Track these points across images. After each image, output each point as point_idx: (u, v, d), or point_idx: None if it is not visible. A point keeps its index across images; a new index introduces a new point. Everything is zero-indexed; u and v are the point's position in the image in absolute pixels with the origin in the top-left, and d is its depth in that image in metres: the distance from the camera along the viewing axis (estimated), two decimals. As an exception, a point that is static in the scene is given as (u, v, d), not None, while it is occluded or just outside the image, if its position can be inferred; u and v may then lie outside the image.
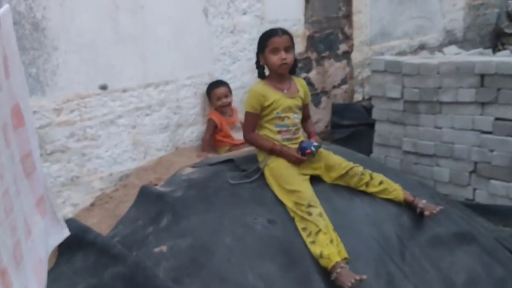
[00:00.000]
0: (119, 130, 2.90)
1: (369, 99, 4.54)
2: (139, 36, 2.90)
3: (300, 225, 2.10)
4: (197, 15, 3.18)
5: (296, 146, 2.35)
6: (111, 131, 2.86)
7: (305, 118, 2.58)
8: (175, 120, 3.16)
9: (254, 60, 3.51)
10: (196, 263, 2.03)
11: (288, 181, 2.21)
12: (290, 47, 2.37)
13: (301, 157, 2.31)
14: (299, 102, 2.44)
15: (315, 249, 2.01)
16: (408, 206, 2.39)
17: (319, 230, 2.03)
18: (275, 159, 2.31)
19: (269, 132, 2.37)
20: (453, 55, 4.67)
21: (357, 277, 1.86)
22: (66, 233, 1.75)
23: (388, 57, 3.75)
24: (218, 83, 3.22)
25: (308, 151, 2.30)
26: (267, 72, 2.52)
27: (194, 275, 2.00)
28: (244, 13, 3.45)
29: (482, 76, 3.14)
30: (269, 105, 2.34)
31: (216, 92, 3.16)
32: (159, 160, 3.09)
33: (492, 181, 3.19)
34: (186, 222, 2.19)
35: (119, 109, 2.88)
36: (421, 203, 2.34)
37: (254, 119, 2.41)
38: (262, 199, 2.25)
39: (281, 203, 2.23)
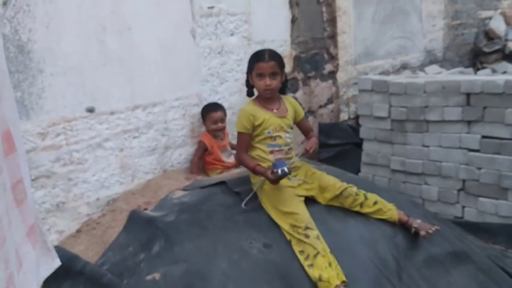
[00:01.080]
0: (107, 154, 2.83)
1: (355, 118, 4.58)
2: (127, 58, 2.86)
3: (297, 248, 2.06)
4: (184, 36, 3.16)
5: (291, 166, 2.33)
6: (98, 154, 2.78)
7: (307, 132, 2.58)
8: (163, 142, 3.11)
9: (241, 80, 3.55)
10: (191, 291, 1.96)
11: (284, 203, 2.17)
12: (276, 73, 2.35)
13: (270, 176, 2.21)
14: (289, 122, 2.43)
15: (314, 273, 1.97)
16: (402, 226, 2.37)
17: (317, 253, 1.99)
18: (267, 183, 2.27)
19: (262, 153, 2.34)
20: (436, 74, 4.75)
21: None
22: (57, 263, 1.67)
23: (375, 76, 3.79)
24: (215, 107, 3.19)
25: (275, 170, 2.19)
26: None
27: (189, 303, 1.93)
28: (232, 34, 3.45)
29: (468, 94, 3.19)
30: (259, 125, 2.33)
31: (213, 116, 3.12)
32: (147, 183, 3.02)
33: (481, 199, 3.22)
34: (179, 248, 2.13)
35: (106, 132, 2.81)
36: (416, 222, 2.33)
37: (246, 139, 2.39)
38: (257, 223, 2.21)
39: (277, 226, 2.19)
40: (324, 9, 4.17)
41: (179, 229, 2.23)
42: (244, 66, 3.48)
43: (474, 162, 3.21)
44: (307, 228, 2.06)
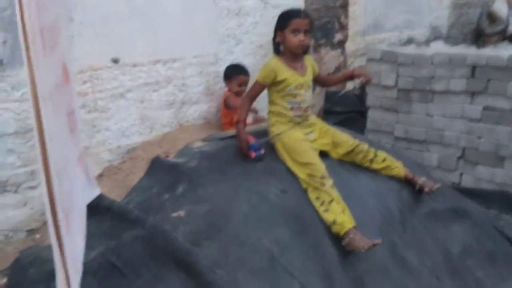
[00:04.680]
0: (128, 104, 2.96)
1: (360, 87, 4.72)
2: (151, 13, 2.96)
3: (313, 195, 2.23)
4: (205, -5, 3.26)
5: (307, 123, 2.48)
6: (120, 104, 2.92)
7: (327, 77, 2.95)
8: (180, 97, 3.24)
9: (256, 43, 3.67)
10: (214, 227, 2.13)
11: (301, 154, 2.33)
12: (309, 30, 2.46)
13: (247, 151, 2.40)
14: (309, 80, 2.56)
15: (329, 217, 2.14)
16: (408, 182, 2.55)
17: (332, 200, 2.16)
18: (287, 134, 2.42)
19: (282, 109, 2.47)
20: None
21: (374, 242, 2.01)
22: (97, 191, 1.82)
23: (384, 46, 3.90)
24: (244, 70, 3.29)
25: (252, 153, 2.40)
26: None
27: (212, 238, 2.09)
28: (249, -3, 3.54)
29: (474, 67, 3.33)
30: (282, 81, 2.44)
31: (241, 78, 3.24)
32: (164, 135, 3.16)
33: (479, 166, 3.40)
34: (202, 189, 2.28)
35: (129, 83, 2.94)
36: (421, 180, 2.51)
37: (259, 90, 2.52)
38: (274, 171, 2.37)
39: (292, 175, 2.35)
40: (337, -22, 4.25)
41: (201, 173, 2.38)
42: (260, 29, 3.64)
43: (475, 131, 3.38)
44: (323, 177, 2.22)
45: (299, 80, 2.48)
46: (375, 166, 2.52)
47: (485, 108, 3.32)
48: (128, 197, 2.48)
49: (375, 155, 2.53)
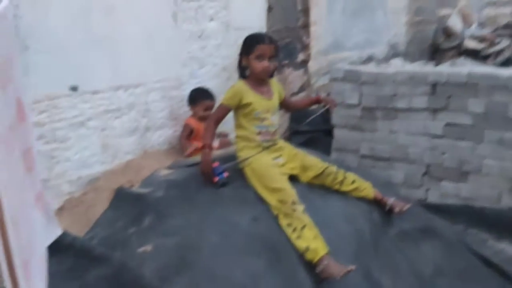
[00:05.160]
0: (89, 133, 2.84)
1: (324, 106, 4.74)
2: (110, 38, 2.87)
3: (284, 222, 2.18)
4: (166, 19, 3.19)
5: (275, 147, 2.45)
6: (80, 133, 2.79)
7: (293, 101, 2.96)
8: (143, 123, 3.14)
9: (220, 65, 3.64)
10: (184, 261, 2.05)
11: (271, 180, 2.29)
12: (274, 56, 2.46)
13: (210, 177, 2.36)
14: (276, 104, 2.54)
15: (301, 244, 2.10)
16: (377, 203, 2.55)
17: (304, 226, 2.12)
18: (256, 159, 2.38)
19: (250, 133, 2.44)
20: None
21: (348, 268, 1.97)
22: (58, 231, 1.71)
23: (346, 66, 3.95)
24: (210, 95, 3.24)
25: (215, 179, 2.36)
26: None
27: (182, 273, 2.01)
28: (211, 20, 3.51)
29: (434, 84, 3.41)
30: (248, 104, 2.42)
31: (207, 103, 3.19)
32: (128, 163, 3.05)
33: (444, 182, 3.46)
34: (170, 221, 2.20)
35: (89, 111, 2.82)
36: (390, 200, 2.51)
37: (224, 112, 2.49)
38: (244, 198, 2.31)
39: (263, 202, 2.30)
40: (298, -1, 4.30)
41: (169, 204, 2.30)
42: (223, 51, 3.61)
43: (438, 147, 3.44)
44: (294, 203, 2.18)
45: (265, 104, 2.46)
46: (345, 188, 2.51)
47: (447, 124, 3.40)
48: (92, 232, 2.36)
49: (344, 177, 2.52)
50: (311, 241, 2.09)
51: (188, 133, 3.20)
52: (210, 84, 3.52)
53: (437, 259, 2.46)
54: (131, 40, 2.98)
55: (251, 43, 2.45)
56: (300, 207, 2.18)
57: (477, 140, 3.29)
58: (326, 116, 4.45)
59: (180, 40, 3.30)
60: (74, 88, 2.74)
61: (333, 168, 2.51)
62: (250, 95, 2.43)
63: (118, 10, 2.88)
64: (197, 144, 3.18)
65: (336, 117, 3.92)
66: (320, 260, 2.04)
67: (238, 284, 1.97)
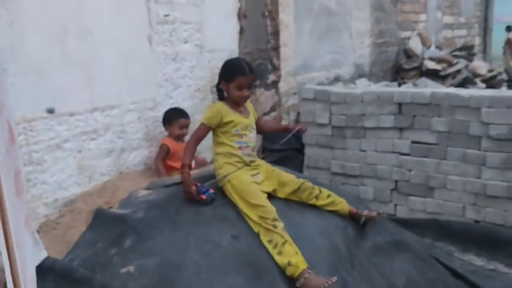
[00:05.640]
0: (65, 155, 2.84)
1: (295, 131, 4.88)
2: (87, 61, 2.90)
3: (265, 238, 2.25)
4: (142, 41, 3.25)
5: (255, 164, 2.54)
6: (57, 155, 2.79)
7: (263, 124, 2.98)
8: (119, 144, 3.16)
9: (194, 87, 3.71)
10: (166, 280, 2.07)
11: (252, 196, 2.36)
12: (252, 85, 2.62)
13: (195, 196, 2.41)
14: (252, 122, 2.66)
15: (283, 259, 2.16)
16: (352, 217, 2.64)
17: (285, 241, 2.19)
18: (236, 176, 2.45)
19: (231, 149, 2.53)
20: (368, 86, 5.18)
21: (330, 280, 2.05)
22: (44, 254, 1.71)
23: (316, 86, 4.09)
24: (184, 113, 3.32)
25: (203, 197, 2.42)
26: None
27: (165, 292, 2.03)
28: (185, 42, 3.58)
29: (400, 104, 3.58)
30: (229, 122, 2.52)
31: (182, 121, 3.27)
32: (104, 184, 3.05)
33: (411, 197, 3.61)
34: (151, 241, 2.22)
35: (66, 133, 2.83)
36: (364, 213, 2.61)
37: (205, 132, 2.59)
38: (224, 217, 2.36)
39: (243, 219, 2.36)
40: (268, 22, 4.43)
41: (150, 224, 2.32)
42: (197, 73, 3.69)
43: (405, 164, 3.60)
44: (274, 219, 2.26)
45: (244, 121, 2.58)
46: (321, 202, 2.60)
47: (413, 142, 3.56)
48: (71, 254, 2.35)
49: (320, 192, 2.62)
50: (291, 256, 2.16)
51: (165, 154, 3.24)
52: (184, 105, 3.58)
53: (408, 270, 2.57)
54: (107, 63, 3.02)
55: (232, 73, 2.55)
56: (280, 224, 2.25)
57: (441, 157, 3.46)
58: (298, 135, 4.58)
59: (155, 62, 3.35)
60: (50, 111, 2.74)
61: (309, 184, 2.61)
62: (230, 114, 2.54)
63: (94, 33, 2.92)
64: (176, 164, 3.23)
65: (308, 136, 4.04)
66: (301, 273, 2.11)
67: (221, 301, 2.01)
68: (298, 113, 4.83)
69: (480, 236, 3.19)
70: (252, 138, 2.60)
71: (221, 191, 2.50)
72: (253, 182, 2.44)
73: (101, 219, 2.48)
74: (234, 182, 2.43)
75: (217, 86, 2.65)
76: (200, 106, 3.74)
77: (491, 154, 3.24)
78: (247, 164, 2.51)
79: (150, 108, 3.34)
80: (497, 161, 3.23)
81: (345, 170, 3.86)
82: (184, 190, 2.44)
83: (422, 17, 7.80)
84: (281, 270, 2.17)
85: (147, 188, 2.74)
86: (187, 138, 3.41)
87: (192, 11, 3.62)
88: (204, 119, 2.56)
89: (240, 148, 2.53)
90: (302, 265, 2.13)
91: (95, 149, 3.01)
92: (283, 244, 2.19)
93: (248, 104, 2.75)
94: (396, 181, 3.66)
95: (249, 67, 2.58)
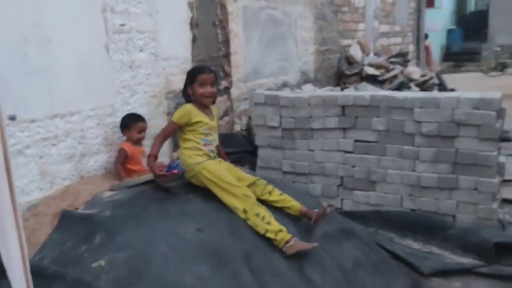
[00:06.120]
0: (27, 161, 2.91)
1: (246, 129, 5.13)
2: (47, 69, 2.99)
3: (252, 212, 2.58)
4: (99, 50, 3.37)
5: (217, 159, 2.78)
6: (19, 161, 2.86)
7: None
8: (80, 150, 3.26)
9: (150, 93, 3.86)
10: (136, 272, 2.22)
11: (231, 179, 2.69)
12: (214, 83, 2.86)
13: (165, 173, 2.73)
14: (216, 124, 2.95)
15: (274, 227, 2.51)
16: (304, 216, 2.88)
17: (271, 215, 2.56)
18: (210, 163, 2.73)
19: (198, 144, 2.80)
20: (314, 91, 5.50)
21: (313, 244, 2.55)
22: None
23: (267, 92, 4.35)
24: (141, 117, 3.47)
25: (175, 171, 2.75)
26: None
27: (135, 283, 2.18)
28: (141, 50, 3.73)
29: (343, 107, 3.90)
30: (197, 122, 2.80)
31: (139, 125, 3.42)
32: (66, 189, 3.14)
33: (355, 191, 3.93)
34: (120, 237, 2.37)
35: (27, 139, 2.91)
36: (315, 212, 2.85)
37: (173, 129, 2.87)
38: (187, 212, 2.55)
39: (205, 214, 2.56)
40: (219, 31, 4.66)
41: (117, 221, 2.46)
42: (153, 80, 3.85)
43: (349, 161, 3.92)
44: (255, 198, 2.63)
45: (210, 123, 2.85)
46: (274, 198, 2.84)
47: (356, 141, 3.89)
48: (40, 253, 2.45)
49: (273, 189, 2.87)
50: (279, 226, 2.54)
51: (123, 158, 3.36)
52: (141, 111, 3.72)
53: (355, 254, 2.86)
54: (66, 71, 3.12)
55: (194, 73, 2.87)
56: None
57: (381, 153, 3.81)
58: (248, 137, 4.83)
59: (112, 70, 3.48)
60: (12, 118, 2.82)
61: (264, 181, 2.86)
62: (198, 115, 2.82)
63: (54, 42, 3.02)
64: (134, 167, 3.37)
65: (259, 138, 4.28)
66: (290, 239, 2.51)
67: (188, 286, 2.19)
68: (249, 118, 5.08)
69: (416, 223, 3.55)
70: (215, 139, 2.87)
71: (183, 188, 2.68)
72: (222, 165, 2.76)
73: (68, 220, 2.59)
74: (210, 168, 2.70)
75: (184, 91, 2.90)
76: (156, 111, 3.89)
77: (424, 149, 3.62)
78: (212, 158, 2.74)
79: (109, 114, 3.46)
80: (429, 156, 3.61)
81: (295, 169, 4.14)
82: (153, 174, 2.69)
83: (361, 26, 8.30)
84: (244, 258, 2.39)
85: (111, 190, 2.86)
86: (145, 142, 3.58)
87: (147, 21, 3.78)
88: (174, 117, 2.82)
89: (205, 144, 2.80)
90: (288, 233, 2.51)
91: (56, 154, 3.10)
92: (270, 216, 2.55)
93: (214, 108, 3.01)
94: (342, 177, 3.98)
95: (208, 68, 2.91)
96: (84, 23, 3.24)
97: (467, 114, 3.46)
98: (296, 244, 2.52)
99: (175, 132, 2.87)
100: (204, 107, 2.88)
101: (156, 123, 3.86)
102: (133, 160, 3.37)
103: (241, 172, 2.87)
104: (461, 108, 3.48)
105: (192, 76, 2.87)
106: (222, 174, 2.70)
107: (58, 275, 2.19)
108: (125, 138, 3.47)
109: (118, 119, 3.50)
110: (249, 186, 2.81)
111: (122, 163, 3.36)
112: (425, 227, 3.50)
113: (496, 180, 3.49)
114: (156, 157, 2.72)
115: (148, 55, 3.80)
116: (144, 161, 3.42)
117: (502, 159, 3.79)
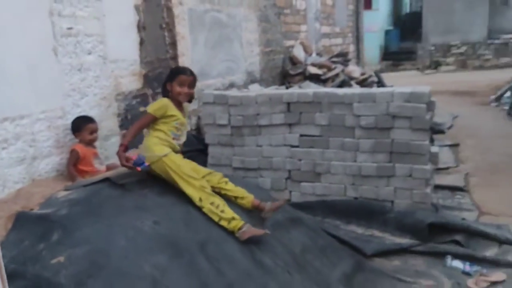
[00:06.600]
0: (-23, 164, 2.91)
1: (196, 129, 5.25)
2: (-5, 73, 3.00)
3: (208, 201, 2.75)
4: (48, 53, 3.40)
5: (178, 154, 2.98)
6: (-31, 165, 2.86)
7: None
8: (31, 153, 3.27)
9: (99, 95, 3.91)
10: (96, 265, 2.31)
11: (190, 171, 2.87)
12: (192, 85, 3.08)
13: (131, 166, 2.88)
14: (186, 122, 3.15)
15: (227, 215, 2.69)
16: (255, 208, 3.05)
17: (225, 204, 2.74)
18: (172, 154, 2.90)
19: (166, 136, 2.97)
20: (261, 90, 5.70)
21: (265, 231, 2.75)
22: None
23: (215, 91, 4.50)
24: (91, 119, 3.51)
25: (138, 169, 2.87)
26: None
27: (96, 275, 2.27)
28: (89, 53, 3.78)
29: (288, 104, 4.12)
30: (171, 116, 2.98)
31: (90, 126, 3.46)
32: (18, 192, 3.14)
33: (302, 183, 4.17)
34: (78, 233, 2.44)
35: (-23, 143, 2.91)
36: (267, 205, 3.03)
37: (149, 120, 3.01)
38: (144, 206, 2.66)
39: (161, 207, 2.68)
40: (166, 33, 4.76)
41: (75, 219, 2.53)
42: (102, 82, 3.90)
43: (296, 155, 4.15)
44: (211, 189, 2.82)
45: (183, 120, 3.05)
46: (229, 187, 3.02)
47: (301, 136, 4.12)
48: (-4, 255, 2.47)
49: (228, 181, 3.06)
50: (233, 213, 2.73)
51: (75, 159, 3.40)
52: (92, 113, 3.77)
53: (303, 240, 3.07)
54: (15, 74, 3.13)
55: (176, 73, 3.11)
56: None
57: (325, 146, 4.06)
58: (198, 136, 4.96)
59: (61, 73, 3.51)
60: (-39, 122, 2.81)
61: (220, 173, 3.05)
62: (173, 110, 3.01)
63: (0, 46, 3.03)
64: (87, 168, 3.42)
65: (209, 136, 4.42)
66: (243, 225, 2.70)
67: (148, 276, 2.30)
68: (199, 117, 5.21)
69: (359, 210, 3.83)
70: (184, 135, 3.09)
71: (138, 184, 2.79)
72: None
73: (24, 220, 2.62)
74: (172, 158, 2.86)
75: (163, 86, 3.12)
76: (106, 113, 3.95)
77: (363, 141, 3.90)
78: (176, 152, 2.94)
79: (60, 117, 3.49)
80: (368, 147, 3.90)
81: (245, 164, 4.31)
82: (121, 164, 2.86)
83: (303, 27, 8.62)
84: (200, 247, 2.53)
85: (66, 190, 2.91)
86: (97, 143, 3.63)
87: (94, 24, 3.83)
88: (151, 109, 2.99)
89: (173, 138, 2.99)
90: (241, 220, 2.70)
91: (7, 158, 3.10)
92: (224, 205, 2.73)
93: (186, 107, 3.20)
94: (289, 170, 4.20)
95: (190, 70, 3.14)
96: (31, 27, 3.25)
97: (400, 107, 3.77)
98: (249, 230, 2.71)
99: (149, 124, 3.01)
100: (178, 104, 3.07)
101: (106, 125, 3.92)
102: (85, 161, 3.42)
103: (198, 166, 3.07)
104: (395, 101, 3.79)
105: (173, 74, 3.10)
106: (183, 166, 2.87)
107: (17, 273, 2.24)
108: (77, 140, 3.51)
109: (68, 121, 3.54)
110: (206, 175, 2.99)
111: (74, 165, 3.40)
112: (367, 213, 3.79)
113: (429, 167, 3.83)
114: (126, 147, 2.88)
115: (96, 58, 3.85)
116: (96, 163, 3.47)
117: (435, 149, 4.14)
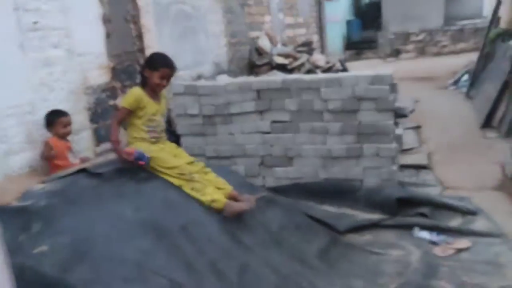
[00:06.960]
0: (-51, 162, 2.87)
1: (167, 121, 5.27)
2: (-39, 68, 2.96)
3: (188, 187, 2.82)
4: (13, 48, 3.36)
5: (161, 145, 3.07)
6: None
7: None
8: (2, 149, 3.25)
9: (67, 89, 3.90)
10: (80, 252, 2.34)
11: (165, 161, 2.92)
12: (171, 78, 3.12)
13: (134, 161, 2.92)
14: (163, 107, 3.17)
15: (207, 198, 2.77)
16: (233, 200, 3.12)
17: (205, 185, 2.81)
18: (153, 152, 2.96)
19: (141, 131, 3.00)
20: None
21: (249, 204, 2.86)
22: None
23: (186, 82, 4.54)
24: (63, 112, 3.50)
25: (142, 162, 2.93)
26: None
27: (80, 262, 2.30)
28: (55, 47, 3.75)
29: (258, 91, 4.21)
30: (143, 108, 2.99)
31: (63, 120, 3.46)
32: (-8, 188, 3.12)
33: (275, 168, 4.27)
34: (59, 223, 2.46)
35: None
36: (243, 197, 3.10)
37: (125, 113, 3.03)
38: (124, 194, 2.70)
39: (141, 194, 2.73)
40: (132, 26, 4.75)
41: (54, 209, 2.55)
42: (70, 76, 3.89)
43: (268, 141, 4.25)
44: (190, 173, 2.88)
45: (155, 107, 3.06)
46: (209, 177, 3.09)
47: (272, 122, 4.22)
48: (-24, 249, 2.46)
49: (210, 171, 3.14)
50: (214, 194, 2.79)
51: (49, 150, 3.39)
52: (61, 107, 3.74)
53: (280, 219, 3.18)
54: (-18, 70, 3.10)
55: (159, 63, 3.05)
56: (196, 175, 2.86)
57: (296, 131, 4.17)
58: (169, 128, 4.98)
59: (28, 67, 3.48)
60: None
61: (201, 163, 3.13)
62: (145, 100, 3.02)
63: (-34, 41, 2.99)
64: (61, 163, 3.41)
65: (181, 127, 4.47)
66: (226, 205, 2.78)
67: (132, 259, 2.36)
68: (169, 109, 5.23)
69: (330, 190, 3.98)
70: (161, 121, 3.11)
71: (116, 173, 2.82)
72: (162, 150, 3.00)
73: (2, 214, 2.61)
74: (151, 154, 2.92)
75: (141, 72, 3.10)
76: (76, 107, 3.93)
77: (332, 124, 4.04)
78: (155, 143, 3.05)
79: (29, 112, 3.46)
80: (336, 130, 4.03)
81: (219, 153, 4.38)
82: (121, 159, 2.91)
83: (267, 18, 8.71)
84: (181, 229, 2.60)
85: (43, 182, 2.92)
86: (70, 137, 3.63)
87: (59, 18, 3.80)
88: (125, 103, 3.00)
89: (148, 131, 3.02)
90: (223, 198, 2.78)
91: (-22, 154, 3.07)
92: (204, 187, 2.79)
93: (163, 94, 3.23)
94: (262, 156, 4.29)
95: (173, 64, 3.12)
96: (-4, 22, 3.22)
97: (365, 90, 3.92)
98: (233, 207, 2.84)
99: (125, 117, 3.03)
100: (152, 92, 3.07)
101: (77, 119, 3.90)
102: (60, 155, 3.41)
103: (183, 153, 3.17)
104: (360, 84, 3.94)
105: (156, 63, 3.04)
106: (162, 160, 2.92)
107: (-1, 264, 2.24)
108: (50, 135, 3.50)
109: (38, 116, 3.52)
110: (188, 164, 3.05)
111: (49, 159, 3.39)
112: (338, 192, 3.93)
113: (394, 145, 4.00)
114: (119, 142, 2.93)
115: (63, 52, 3.83)
116: (70, 156, 3.47)
117: (399, 131, 4.33)
